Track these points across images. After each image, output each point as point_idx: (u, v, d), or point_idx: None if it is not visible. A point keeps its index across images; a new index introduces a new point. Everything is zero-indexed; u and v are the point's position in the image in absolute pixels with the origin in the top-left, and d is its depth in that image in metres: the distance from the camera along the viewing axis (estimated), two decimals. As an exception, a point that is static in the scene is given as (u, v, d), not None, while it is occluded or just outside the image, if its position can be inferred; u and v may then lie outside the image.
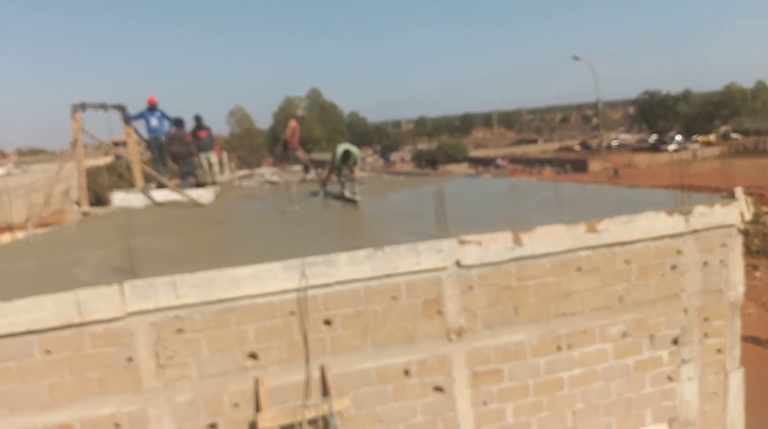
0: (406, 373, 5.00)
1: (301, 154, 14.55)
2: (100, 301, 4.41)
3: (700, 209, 5.52)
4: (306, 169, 14.02)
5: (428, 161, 78.89)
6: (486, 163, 76.42)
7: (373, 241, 5.42)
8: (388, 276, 4.92)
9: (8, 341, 4.33)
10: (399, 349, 4.98)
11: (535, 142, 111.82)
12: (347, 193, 9.06)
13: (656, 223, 5.47)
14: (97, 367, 4.43)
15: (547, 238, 5.19)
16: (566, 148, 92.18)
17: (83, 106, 9.84)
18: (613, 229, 5.35)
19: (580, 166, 62.15)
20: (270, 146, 63.74)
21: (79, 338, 4.42)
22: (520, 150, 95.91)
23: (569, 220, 5.37)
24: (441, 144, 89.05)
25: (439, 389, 5.07)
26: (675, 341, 5.62)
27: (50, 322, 4.36)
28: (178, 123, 11.58)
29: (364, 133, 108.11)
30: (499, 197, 8.40)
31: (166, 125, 11.68)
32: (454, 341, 5.07)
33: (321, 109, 69.88)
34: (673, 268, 5.56)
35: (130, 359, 4.49)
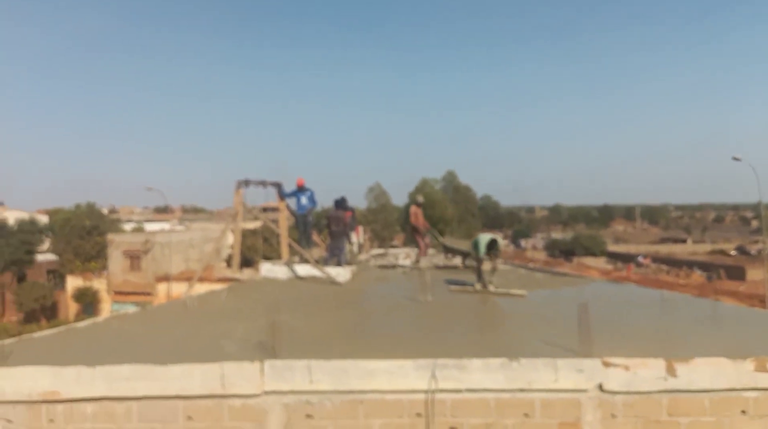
0: (534, 500, 4.61)
1: (424, 240, 14.61)
2: (242, 376, 4.65)
3: None
4: (446, 255, 14.06)
5: (562, 252, 75.70)
6: (626, 259, 71.57)
7: (508, 347, 5.23)
8: (521, 390, 4.67)
9: (157, 403, 4.68)
10: (528, 472, 4.63)
11: (683, 241, 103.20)
12: (491, 287, 9.00)
13: None
14: (230, 441, 4.62)
15: (707, 372, 4.65)
16: (720, 252, 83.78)
17: (246, 183, 10.85)
18: (790, 370, 4.67)
19: (736, 273, 55.91)
20: (402, 223, 65.36)
21: (219, 410, 4.66)
22: (665, 249, 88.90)
23: (732, 351, 4.79)
24: (577, 234, 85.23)
25: None
26: None
27: (196, 390, 4.66)
28: (339, 203, 12.30)
29: (496, 217, 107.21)
30: (646, 309, 7.76)
31: (310, 204, 12.51)
32: (590, 474, 4.62)
33: (455, 191, 70.78)
34: None
35: (260, 438, 4.62)
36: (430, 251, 15.69)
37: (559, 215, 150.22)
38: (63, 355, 5.03)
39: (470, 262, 13.69)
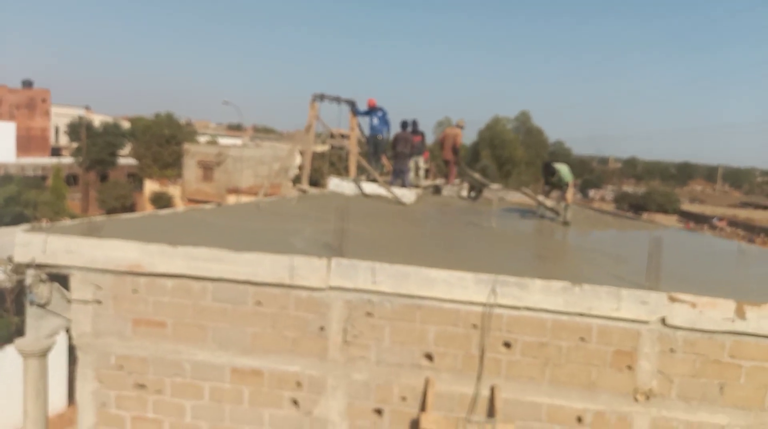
0: (579, 420, 4.71)
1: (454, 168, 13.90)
2: (310, 270, 4.87)
3: None
4: (474, 192, 12.91)
5: (632, 205, 72.85)
6: (700, 220, 68.21)
7: (571, 275, 5.20)
8: (580, 315, 4.68)
9: (229, 286, 4.98)
10: (577, 394, 4.71)
11: (766, 208, 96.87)
12: (561, 216, 8.87)
13: None
14: (294, 328, 4.91)
15: (779, 319, 4.49)
16: (805, 223, 78.20)
17: (321, 97, 10.93)
18: None
19: (821, 247, 52.49)
20: (468, 161, 64.34)
21: (286, 299, 4.93)
22: (744, 213, 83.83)
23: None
24: (650, 190, 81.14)
25: (611, 448, 4.69)
26: None
27: (265, 277, 4.92)
28: (406, 125, 12.20)
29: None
30: (720, 259, 7.49)
31: (382, 124, 12.38)
32: (640, 402, 4.65)
33: (527, 133, 68.54)
34: None
35: (322, 328, 4.89)
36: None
37: (633, 169, 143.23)
38: (147, 234, 5.39)
39: (476, 194, 12.78)
